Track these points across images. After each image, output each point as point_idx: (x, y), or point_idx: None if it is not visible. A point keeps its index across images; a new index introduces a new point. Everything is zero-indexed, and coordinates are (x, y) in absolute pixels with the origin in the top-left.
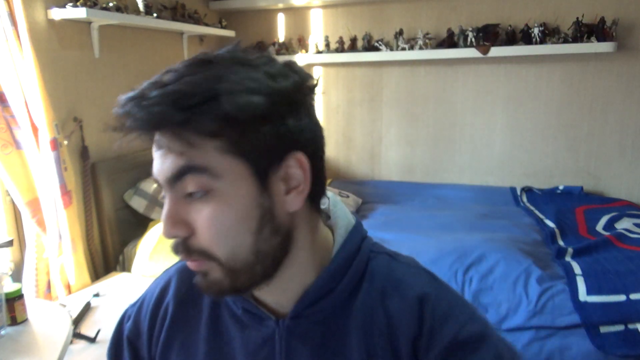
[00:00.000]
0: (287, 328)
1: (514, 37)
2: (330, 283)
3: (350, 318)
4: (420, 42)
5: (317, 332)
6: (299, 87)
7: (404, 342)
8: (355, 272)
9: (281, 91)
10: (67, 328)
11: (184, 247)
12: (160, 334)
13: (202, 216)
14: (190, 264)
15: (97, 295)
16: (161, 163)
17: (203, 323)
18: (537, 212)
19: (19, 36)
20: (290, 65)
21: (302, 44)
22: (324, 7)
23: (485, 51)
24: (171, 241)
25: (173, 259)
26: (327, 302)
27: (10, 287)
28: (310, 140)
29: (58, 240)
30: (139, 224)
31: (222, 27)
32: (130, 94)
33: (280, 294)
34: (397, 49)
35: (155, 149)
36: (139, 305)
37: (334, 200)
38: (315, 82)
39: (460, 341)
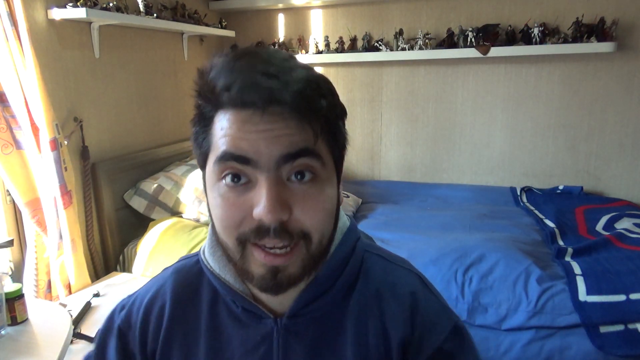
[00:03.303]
0: (285, 326)
1: (513, 37)
2: (327, 283)
3: (346, 316)
4: (420, 42)
5: (314, 330)
6: None
7: (396, 344)
8: (351, 272)
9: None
10: (67, 328)
11: (284, 230)
12: (156, 333)
13: (310, 198)
14: (280, 256)
15: (97, 295)
16: (274, 141)
17: (202, 322)
18: (537, 212)
19: (19, 36)
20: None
21: (302, 44)
22: (324, 7)
23: (485, 51)
24: (170, 242)
25: (173, 259)
26: (323, 301)
27: (10, 287)
28: None
29: (58, 240)
30: (139, 224)
31: (222, 27)
32: (260, 69)
33: None
34: (397, 49)
35: (266, 126)
36: (133, 299)
37: None
38: None
39: (445, 350)
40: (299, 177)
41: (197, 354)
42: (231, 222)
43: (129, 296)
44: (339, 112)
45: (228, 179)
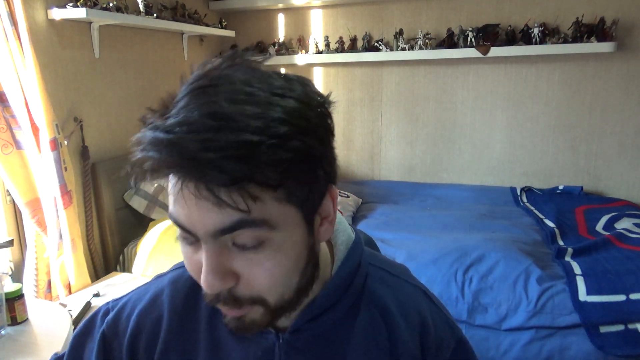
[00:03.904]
0: (287, 342)
1: (513, 37)
2: (332, 299)
3: (352, 333)
4: (420, 42)
5: (317, 346)
6: (327, 114)
7: None
8: (356, 288)
9: (324, 126)
10: (67, 328)
11: (231, 298)
12: (150, 345)
13: (257, 266)
14: (231, 312)
15: (97, 295)
16: (204, 215)
17: (201, 336)
18: (537, 212)
19: (19, 36)
20: (309, 85)
21: (302, 44)
22: (324, 7)
23: (485, 51)
24: (170, 242)
25: (173, 259)
26: (327, 317)
27: (10, 287)
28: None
29: (58, 240)
30: (139, 224)
31: (222, 27)
32: (167, 136)
33: None
34: (397, 49)
35: (191, 197)
36: (122, 305)
37: None
38: (329, 99)
39: None
40: (241, 246)
41: None
42: (193, 275)
43: (115, 300)
44: (298, 159)
45: (181, 237)
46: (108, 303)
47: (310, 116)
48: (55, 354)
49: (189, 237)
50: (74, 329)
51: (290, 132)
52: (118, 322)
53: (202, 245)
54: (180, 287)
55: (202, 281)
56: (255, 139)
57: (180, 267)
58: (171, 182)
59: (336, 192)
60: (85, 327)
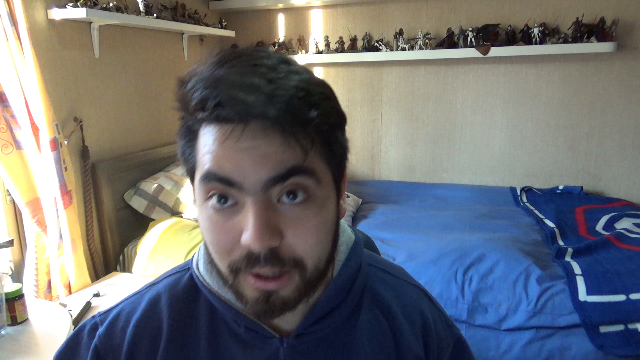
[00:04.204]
0: (291, 346)
1: (513, 37)
2: (336, 300)
3: (355, 335)
4: (420, 42)
5: (321, 349)
6: None
7: None
8: (359, 288)
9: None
10: (67, 328)
11: (275, 257)
12: (149, 357)
13: (302, 223)
14: (267, 283)
15: (97, 295)
16: (258, 160)
17: (202, 344)
18: (537, 212)
19: (19, 36)
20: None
21: (302, 44)
22: (324, 7)
23: (485, 51)
24: (170, 242)
25: (173, 259)
26: (331, 319)
27: (10, 287)
28: None
29: (58, 240)
30: (139, 224)
31: (222, 27)
32: (240, 80)
33: None
34: (397, 49)
35: (245, 143)
36: (113, 317)
37: None
38: None
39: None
40: (290, 197)
41: None
42: (222, 249)
43: (103, 313)
44: (336, 121)
45: (214, 199)
46: (94, 317)
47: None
48: None
49: (232, 195)
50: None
51: (330, 93)
52: (112, 335)
53: (245, 203)
54: (179, 292)
55: (250, 236)
56: (319, 90)
57: (173, 273)
58: (217, 138)
59: (346, 173)
60: (69, 346)
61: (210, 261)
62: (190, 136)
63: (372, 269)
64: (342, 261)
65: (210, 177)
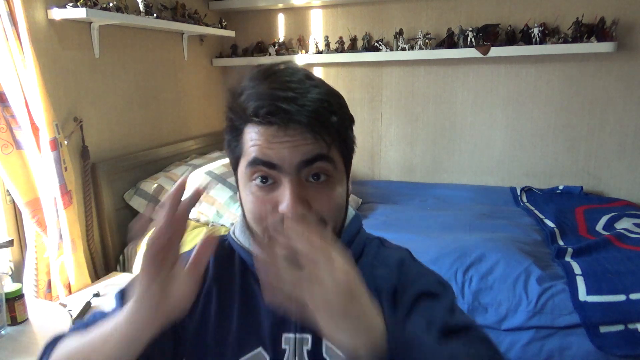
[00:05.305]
0: None
1: (514, 37)
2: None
3: None
4: (420, 42)
5: None
6: None
7: (386, 294)
8: (355, 251)
9: None
10: (67, 328)
11: (304, 220)
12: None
13: (325, 197)
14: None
15: (97, 295)
16: (295, 150)
17: (236, 283)
18: (537, 212)
19: (19, 36)
20: None
21: (302, 44)
22: (324, 7)
23: (485, 51)
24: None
25: None
26: None
27: (10, 287)
28: None
29: (58, 240)
30: None
31: (222, 27)
32: (281, 95)
33: None
34: (397, 49)
35: (290, 138)
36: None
37: None
38: None
39: (426, 292)
40: (315, 178)
41: (232, 308)
42: (261, 215)
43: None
44: (348, 122)
45: (258, 180)
46: None
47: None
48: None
49: (272, 177)
50: None
51: (343, 102)
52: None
53: (282, 182)
54: (219, 246)
55: (287, 205)
56: (337, 100)
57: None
58: (262, 134)
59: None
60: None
61: (246, 227)
62: (236, 132)
63: (368, 240)
64: (347, 224)
65: (257, 162)
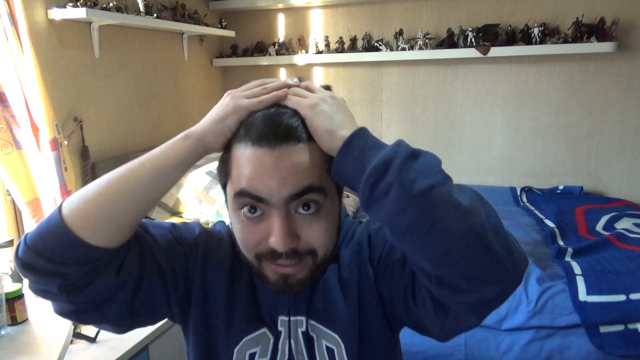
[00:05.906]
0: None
1: (514, 37)
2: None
3: (342, 266)
4: (420, 42)
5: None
6: None
7: (369, 267)
8: (343, 235)
9: None
10: (67, 328)
11: (293, 253)
12: (200, 260)
13: (315, 228)
14: (288, 267)
15: None
16: (282, 182)
17: (243, 277)
18: (537, 212)
19: (19, 36)
20: None
21: (302, 44)
22: (324, 7)
23: (485, 51)
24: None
25: None
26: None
27: (10, 287)
28: None
29: None
30: None
31: (222, 27)
32: (268, 123)
33: None
34: (397, 49)
35: (272, 167)
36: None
37: None
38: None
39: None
40: (305, 208)
41: (241, 285)
42: (250, 245)
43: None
44: None
45: (246, 209)
46: (216, 225)
47: None
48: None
49: (260, 208)
50: (74, 329)
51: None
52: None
53: (271, 214)
54: (228, 229)
55: (276, 241)
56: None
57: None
58: (250, 158)
59: None
60: (186, 223)
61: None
62: (226, 155)
63: (355, 224)
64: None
65: (244, 194)
